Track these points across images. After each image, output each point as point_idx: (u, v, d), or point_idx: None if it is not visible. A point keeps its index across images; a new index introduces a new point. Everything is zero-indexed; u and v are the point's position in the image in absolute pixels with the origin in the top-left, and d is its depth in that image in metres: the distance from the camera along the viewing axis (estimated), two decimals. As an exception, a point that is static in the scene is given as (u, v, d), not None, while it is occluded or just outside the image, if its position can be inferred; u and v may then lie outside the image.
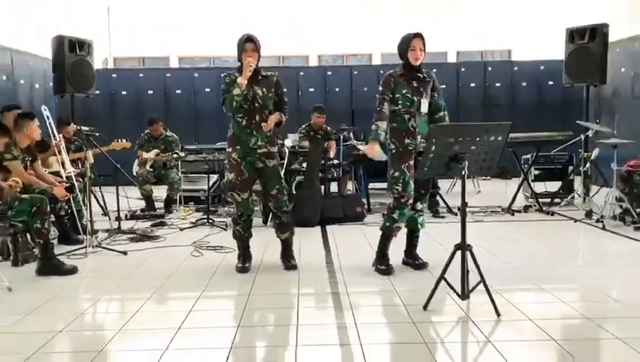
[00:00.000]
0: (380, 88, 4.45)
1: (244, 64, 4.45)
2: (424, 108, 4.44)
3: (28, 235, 5.06)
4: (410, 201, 4.45)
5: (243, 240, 4.78)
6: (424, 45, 4.40)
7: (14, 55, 9.32)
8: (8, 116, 5.65)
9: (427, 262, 4.65)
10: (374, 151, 4.37)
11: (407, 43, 4.38)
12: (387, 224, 4.52)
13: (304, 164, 7.11)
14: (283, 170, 4.95)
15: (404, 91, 4.39)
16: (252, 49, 4.49)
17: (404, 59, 4.44)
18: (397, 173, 4.39)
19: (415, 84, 4.42)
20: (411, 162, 4.40)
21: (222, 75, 4.78)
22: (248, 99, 4.52)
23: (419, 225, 4.64)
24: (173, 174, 7.81)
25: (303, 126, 7.95)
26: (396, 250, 4.66)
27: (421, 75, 4.45)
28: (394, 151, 4.45)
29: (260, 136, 4.57)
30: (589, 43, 7.51)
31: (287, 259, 4.80)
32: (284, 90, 4.76)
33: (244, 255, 4.79)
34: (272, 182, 4.66)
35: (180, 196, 7.98)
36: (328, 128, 7.92)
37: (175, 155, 7.86)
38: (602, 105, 9.39)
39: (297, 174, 7.11)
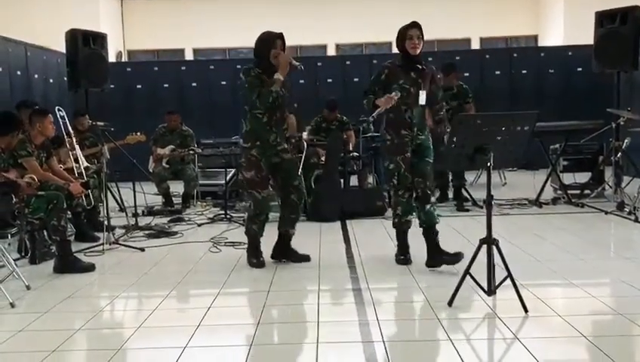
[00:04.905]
0: (370, 81, 4.51)
1: (282, 58, 4.52)
2: (422, 99, 4.44)
3: (45, 232, 5.14)
4: (408, 194, 4.43)
5: (257, 238, 4.84)
6: (422, 34, 4.41)
7: (28, 49, 9.44)
8: (25, 112, 5.72)
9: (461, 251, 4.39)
10: (387, 100, 4.22)
11: (404, 33, 4.41)
12: (395, 220, 4.60)
13: (322, 158, 7.11)
14: (301, 164, 4.99)
15: (400, 82, 4.40)
16: (281, 46, 4.59)
17: (402, 51, 4.46)
18: (392, 166, 4.47)
19: (413, 75, 4.43)
20: (408, 154, 4.44)
21: (244, 68, 4.72)
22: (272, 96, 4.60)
23: (436, 219, 4.51)
24: (189, 170, 7.83)
25: (315, 119, 7.87)
26: (419, 248, 4.61)
27: (420, 67, 4.46)
28: (389, 142, 4.50)
29: (278, 133, 4.68)
30: (619, 27, 7.39)
31: (293, 251, 4.85)
32: (301, 81, 4.84)
33: (257, 251, 4.84)
34: (293, 174, 4.77)
35: (196, 191, 8.03)
36: (344, 118, 7.87)
37: (191, 151, 7.88)
38: (634, 91, 9.23)
39: (316, 168, 7.11)
